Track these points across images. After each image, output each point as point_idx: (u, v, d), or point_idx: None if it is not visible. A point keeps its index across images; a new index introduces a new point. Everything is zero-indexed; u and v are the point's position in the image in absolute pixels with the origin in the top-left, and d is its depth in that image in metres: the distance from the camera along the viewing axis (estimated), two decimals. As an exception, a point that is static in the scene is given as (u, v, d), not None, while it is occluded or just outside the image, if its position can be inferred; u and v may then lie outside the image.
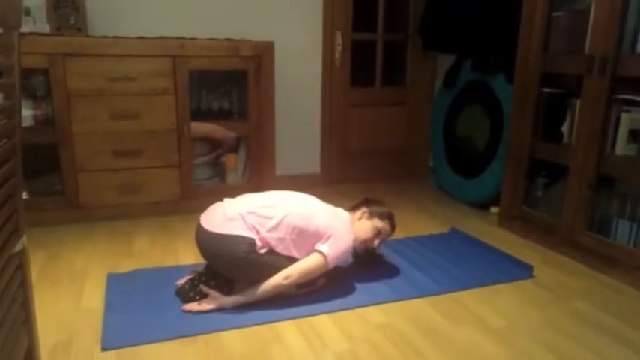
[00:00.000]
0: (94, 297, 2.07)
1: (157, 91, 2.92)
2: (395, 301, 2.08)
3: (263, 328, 1.85)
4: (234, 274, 2.01)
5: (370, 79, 3.97)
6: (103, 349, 1.70)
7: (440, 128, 3.78)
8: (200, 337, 1.79)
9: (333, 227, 2.03)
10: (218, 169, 3.34)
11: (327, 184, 3.93)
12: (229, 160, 3.28)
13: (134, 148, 2.94)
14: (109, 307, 1.96)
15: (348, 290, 2.15)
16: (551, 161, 2.71)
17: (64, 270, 2.32)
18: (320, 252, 1.99)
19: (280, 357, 1.69)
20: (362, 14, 3.81)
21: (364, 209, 2.22)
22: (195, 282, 2.03)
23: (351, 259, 2.34)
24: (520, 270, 2.38)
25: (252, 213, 1.97)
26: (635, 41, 2.23)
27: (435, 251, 2.59)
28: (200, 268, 2.12)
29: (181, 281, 2.10)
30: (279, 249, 1.98)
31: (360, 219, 2.20)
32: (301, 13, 3.61)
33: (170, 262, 2.42)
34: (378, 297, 2.09)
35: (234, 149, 3.30)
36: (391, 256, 2.51)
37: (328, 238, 2.00)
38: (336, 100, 3.85)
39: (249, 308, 1.95)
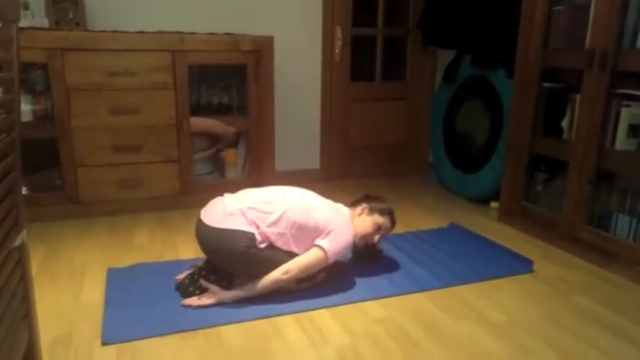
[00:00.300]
0: (93, 292, 2.07)
1: (157, 86, 2.91)
2: (395, 295, 2.08)
3: (263, 323, 1.85)
4: (234, 269, 2.01)
5: (370, 74, 3.96)
6: (103, 343, 1.70)
7: (440, 123, 3.78)
8: (200, 331, 1.79)
9: (333, 223, 2.03)
10: (217, 164, 3.33)
11: (327, 179, 3.92)
12: (229, 155, 3.28)
13: (133, 143, 2.93)
14: (109, 301, 1.96)
15: (348, 285, 2.16)
16: (551, 156, 2.70)
17: (64, 265, 2.32)
18: (320, 247, 1.99)
19: (280, 351, 1.69)
20: (362, 9, 3.80)
21: (364, 205, 2.22)
22: (195, 277, 2.03)
23: (350, 255, 2.34)
24: (520, 265, 2.38)
25: (253, 208, 1.97)
26: (635, 36, 2.22)
27: (435, 246, 2.59)
28: (200, 263, 2.12)
29: (181, 276, 2.10)
30: (279, 244, 1.98)
31: (360, 214, 2.20)
32: (301, 7, 3.60)
33: (170, 256, 2.42)
34: (377, 292, 2.10)
35: (233, 144, 3.29)
36: (391, 251, 2.51)
37: (328, 233, 2.00)
38: (335, 95, 3.84)
39: (248, 303, 1.95)
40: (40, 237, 2.62)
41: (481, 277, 2.25)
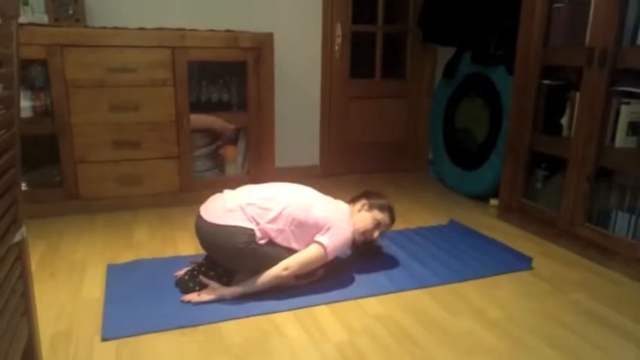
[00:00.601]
0: (93, 287, 2.07)
1: (157, 83, 2.91)
2: (394, 292, 2.08)
3: (262, 319, 1.86)
4: (233, 265, 2.01)
5: (370, 71, 3.96)
6: (103, 339, 1.71)
7: (440, 121, 3.78)
8: (200, 327, 1.79)
9: (333, 219, 2.03)
10: (217, 161, 3.34)
11: (327, 176, 3.93)
12: (228, 151, 3.28)
13: (133, 140, 2.93)
14: (109, 297, 1.97)
15: (347, 281, 2.16)
16: (550, 153, 2.71)
17: (64, 261, 2.32)
18: (319, 243, 1.99)
19: (279, 348, 1.70)
20: (361, 5, 3.80)
21: (364, 201, 2.23)
22: (195, 273, 2.03)
23: (349, 251, 2.35)
24: (519, 262, 2.39)
25: (252, 204, 1.98)
26: (635, 33, 2.22)
27: (434, 243, 2.59)
28: (199, 259, 2.13)
29: (181, 272, 2.10)
30: (278, 240, 1.98)
31: (359, 211, 2.21)
32: (301, 4, 3.59)
33: (169, 253, 2.42)
34: (377, 288, 2.10)
35: (233, 141, 3.29)
36: (390, 248, 2.51)
37: (327, 229, 2.01)
38: (335, 92, 3.84)
39: (248, 299, 1.95)
40: (40, 233, 2.62)
41: (480, 274, 2.25)
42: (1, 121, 1.07)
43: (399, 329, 1.82)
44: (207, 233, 1.98)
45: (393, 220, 2.28)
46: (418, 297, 2.06)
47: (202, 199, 2.13)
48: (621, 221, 2.34)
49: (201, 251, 2.12)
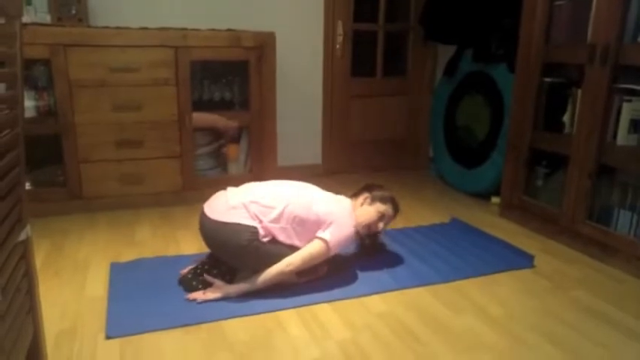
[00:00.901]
0: (97, 286, 2.09)
1: (159, 82, 2.92)
2: (396, 290, 2.09)
3: (265, 317, 1.87)
4: (236, 263, 2.02)
5: (371, 70, 3.96)
6: (107, 337, 1.72)
7: (441, 119, 3.78)
8: (203, 325, 1.80)
9: (334, 214, 2.04)
10: (220, 160, 3.34)
11: (329, 174, 3.93)
12: (231, 150, 3.29)
13: (136, 139, 2.94)
14: (113, 295, 1.98)
15: (350, 279, 2.17)
16: (551, 151, 2.71)
17: (68, 259, 2.34)
18: (321, 239, 2.00)
19: (282, 345, 1.71)
20: (363, 4, 3.80)
21: (366, 194, 2.23)
22: (198, 271, 2.04)
23: (353, 246, 2.35)
24: (520, 259, 2.39)
25: (255, 202, 1.99)
26: (637, 30, 2.22)
27: (436, 241, 2.60)
28: (202, 258, 2.14)
29: (185, 270, 2.11)
30: (281, 238, 1.99)
31: (362, 204, 2.20)
32: (302, 3, 3.59)
33: (172, 251, 2.43)
34: (379, 286, 2.11)
35: (235, 140, 3.30)
36: (392, 246, 2.52)
37: (329, 225, 2.01)
38: (337, 91, 3.85)
39: (251, 297, 1.96)
40: (44, 232, 2.64)
41: (482, 272, 2.26)
42: (5, 121, 1.08)
43: (400, 327, 1.83)
44: (211, 230, 1.99)
45: (396, 210, 2.27)
46: (420, 294, 2.06)
47: (205, 198, 2.14)
48: (623, 219, 2.34)
49: (204, 250, 2.13)
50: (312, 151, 3.90)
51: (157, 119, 2.96)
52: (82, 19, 2.94)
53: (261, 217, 1.97)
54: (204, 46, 2.96)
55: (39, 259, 2.31)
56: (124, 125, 2.90)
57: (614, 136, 2.35)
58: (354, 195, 2.27)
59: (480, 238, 2.65)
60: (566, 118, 2.61)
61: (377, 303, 1.99)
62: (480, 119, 3.37)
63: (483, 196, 3.34)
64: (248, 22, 3.38)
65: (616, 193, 2.40)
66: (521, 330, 1.82)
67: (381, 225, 2.21)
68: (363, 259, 2.35)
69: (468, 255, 2.43)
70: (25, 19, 2.70)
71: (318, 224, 2.02)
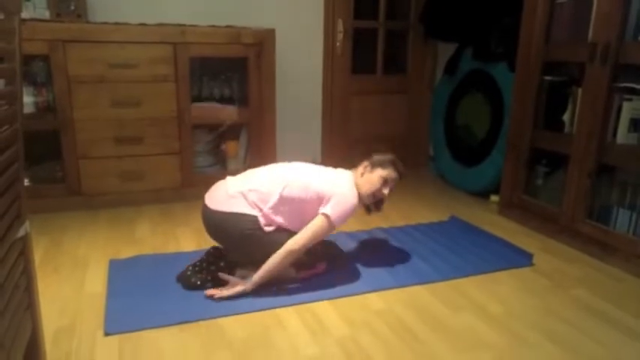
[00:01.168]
0: (96, 283, 2.08)
1: (158, 78, 2.91)
2: (395, 288, 2.09)
3: (264, 314, 1.87)
4: (240, 253, 2.02)
5: (371, 67, 3.96)
6: (106, 333, 1.72)
7: (441, 117, 3.78)
8: (201, 322, 1.80)
9: (333, 188, 2.01)
10: (219, 157, 3.34)
11: (328, 171, 3.92)
12: (230, 147, 3.28)
13: (135, 135, 2.94)
14: (112, 292, 1.98)
15: (349, 277, 2.17)
16: (551, 150, 2.70)
17: (67, 256, 2.33)
18: (323, 214, 1.97)
19: (281, 343, 1.70)
20: (363, 1, 3.79)
21: (365, 163, 2.17)
22: (197, 268, 2.04)
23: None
24: (520, 258, 2.39)
25: (253, 190, 1.98)
26: (638, 29, 2.21)
27: (435, 239, 2.60)
28: (202, 255, 2.13)
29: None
30: (284, 224, 1.99)
31: (362, 174, 2.15)
32: (302, 0, 3.58)
33: (171, 248, 2.43)
34: (378, 284, 2.11)
35: (235, 136, 3.29)
36: (391, 244, 2.52)
37: (329, 199, 1.99)
38: (337, 88, 3.84)
39: (249, 295, 1.96)
40: (43, 229, 2.63)
41: (481, 270, 2.26)
42: (4, 116, 1.08)
43: (399, 324, 1.83)
44: (213, 221, 1.99)
45: (399, 172, 2.20)
46: (419, 292, 2.06)
47: (204, 195, 2.13)
48: (622, 218, 2.34)
49: (203, 246, 2.12)
50: (311, 149, 3.90)
51: (156, 115, 2.95)
52: (80, 15, 2.94)
53: (261, 205, 1.96)
54: (204, 43, 2.95)
55: (38, 255, 2.30)
56: (123, 121, 2.90)
57: (614, 135, 2.34)
58: (354, 166, 2.22)
59: (480, 237, 2.65)
60: (566, 117, 2.61)
61: (376, 301, 1.99)
62: (480, 118, 3.36)
63: (483, 194, 3.34)
64: (247, 19, 3.37)
65: (615, 192, 2.40)
66: (521, 328, 1.82)
67: (385, 191, 2.15)
68: (362, 257, 2.34)
69: (467, 253, 2.43)
70: (24, 14, 2.69)
71: (320, 201, 2.00)
